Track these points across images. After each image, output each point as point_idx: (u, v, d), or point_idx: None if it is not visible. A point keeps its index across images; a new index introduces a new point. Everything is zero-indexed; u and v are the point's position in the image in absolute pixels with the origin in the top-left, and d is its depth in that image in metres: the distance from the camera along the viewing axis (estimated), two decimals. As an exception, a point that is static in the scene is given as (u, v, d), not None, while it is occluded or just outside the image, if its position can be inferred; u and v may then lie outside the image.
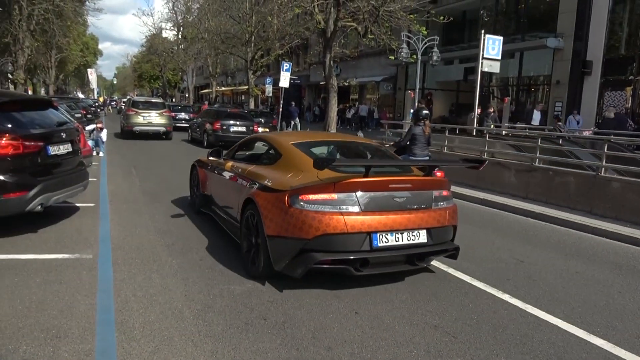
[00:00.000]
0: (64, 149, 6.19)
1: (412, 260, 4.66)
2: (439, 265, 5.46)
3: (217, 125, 18.18)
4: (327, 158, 4.48)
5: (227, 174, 6.01)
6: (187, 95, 59.63)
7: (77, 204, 7.40)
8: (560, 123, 15.16)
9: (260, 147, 6.05)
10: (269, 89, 27.79)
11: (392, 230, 4.46)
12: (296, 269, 4.36)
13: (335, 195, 4.36)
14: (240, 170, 5.66)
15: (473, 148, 11.23)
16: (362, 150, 5.75)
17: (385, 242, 4.44)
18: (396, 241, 4.49)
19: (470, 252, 6.01)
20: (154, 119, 20.65)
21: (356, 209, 4.38)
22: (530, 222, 7.84)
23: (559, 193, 8.80)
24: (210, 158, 6.76)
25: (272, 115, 25.11)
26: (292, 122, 24.65)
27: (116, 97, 71.33)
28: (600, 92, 16.92)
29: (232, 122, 18.46)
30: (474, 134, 13.13)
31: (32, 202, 5.56)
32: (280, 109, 22.94)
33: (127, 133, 20.42)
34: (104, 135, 15.39)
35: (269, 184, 4.76)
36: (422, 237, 4.59)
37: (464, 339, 3.86)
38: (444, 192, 4.85)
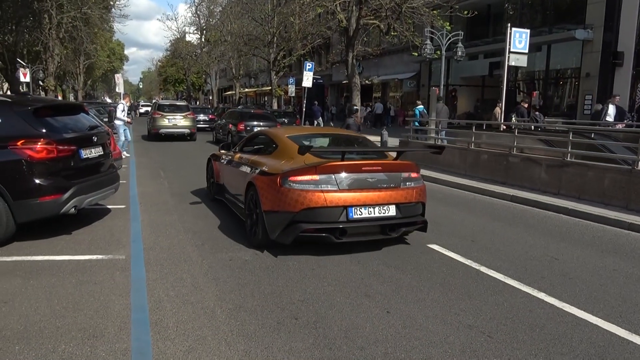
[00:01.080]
0: (95, 152, 6.30)
1: (385, 231, 5.48)
2: (470, 264, 5.36)
3: (241, 126, 18.59)
4: (307, 145, 5.58)
5: (235, 164, 6.97)
6: (210, 98, 60.32)
7: (109, 206, 7.52)
8: (537, 112, 14.69)
9: (262, 140, 6.92)
10: (291, 89, 27.84)
11: (365, 205, 5.33)
12: (287, 236, 5.27)
13: (317, 177, 5.27)
14: (245, 160, 6.64)
15: (500, 144, 11.01)
16: (348, 141, 6.73)
17: (360, 214, 5.31)
18: (369, 214, 5.35)
19: (502, 250, 5.89)
20: (178, 121, 21.39)
21: (334, 187, 5.27)
22: (563, 219, 7.64)
23: (592, 188, 8.54)
24: (222, 151, 7.91)
25: (295, 115, 25.18)
26: (315, 122, 24.63)
27: (142, 101, 72.61)
28: (633, 83, 16.37)
29: (255, 122, 18.83)
30: (502, 129, 12.87)
31: (66, 204, 5.67)
32: (304, 109, 22.93)
33: (154, 136, 21.10)
34: (129, 133, 15.36)
35: (266, 169, 5.72)
36: (391, 211, 5.45)
37: (500, 338, 3.79)
38: (412, 174, 5.70)
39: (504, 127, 12.90)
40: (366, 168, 5.45)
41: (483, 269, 5.24)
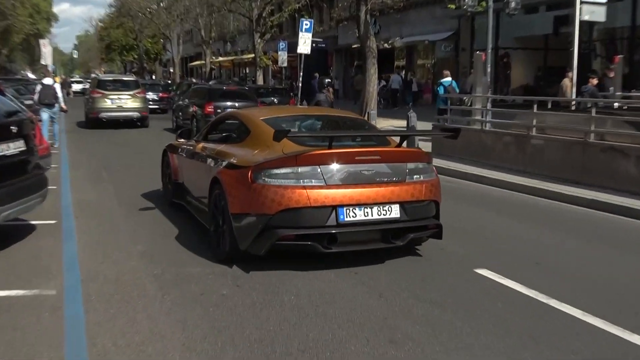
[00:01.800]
0: (14, 147, 6.29)
1: (387, 238, 5.79)
2: (534, 295, 5.32)
3: (209, 108, 18.74)
4: (285, 129, 5.72)
5: (198, 157, 7.33)
6: (171, 70, 60.50)
7: (34, 222, 7.54)
8: (592, 86, 14.18)
9: (232, 125, 7.29)
10: (282, 57, 27.89)
11: (359, 204, 5.63)
12: (260, 246, 5.61)
13: (298, 169, 5.58)
14: (210, 150, 6.98)
15: (573, 128, 10.97)
16: (342, 124, 7.08)
17: (353, 216, 5.61)
18: (365, 216, 5.65)
19: (579, 276, 5.87)
20: (125, 102, 21.76)
21: (321, 182, 5.57)
22: (662, 232, 7.61)
23: None
24: (181, 141, 8.23)
25: (288, 93, 25.21)
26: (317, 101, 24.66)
27: (76, 77, 72.77)
28: None
29: (229, 103, 18.94)
30: (572, 108, 12.84)
31: (-28, 220, 5.70)
32: (300, 84, 22.96)
33: (93, 122, 21.47)
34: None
35: (234, 161, 6.06)
36: (394, 212, 5.76)
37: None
38: (421, 165, 6.05)
39: (576, 105, 12.87)
40: (361, 157, 5.76)
41: (553, 302, 5.20)
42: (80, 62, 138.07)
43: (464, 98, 15.26)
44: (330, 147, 5.74)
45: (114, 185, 10.25)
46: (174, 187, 8.48)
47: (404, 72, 32.12)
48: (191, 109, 19.81)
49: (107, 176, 11.27)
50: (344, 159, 5.71)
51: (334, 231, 5.59)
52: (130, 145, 17.05)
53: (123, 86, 22.70)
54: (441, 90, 16.49)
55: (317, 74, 25.24)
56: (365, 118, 18.18)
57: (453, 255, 6.26)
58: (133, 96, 22.13)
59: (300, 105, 22.76)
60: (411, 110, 14.04)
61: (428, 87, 31.45)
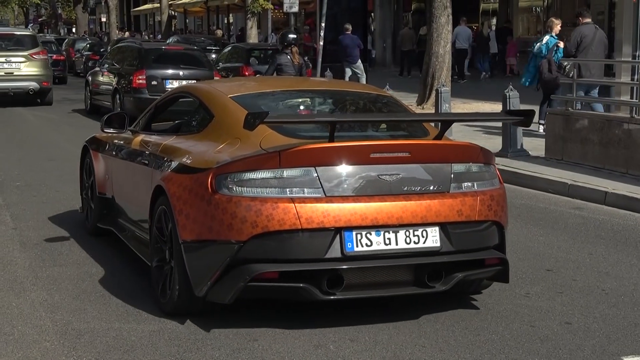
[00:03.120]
0: None
1: (422, 278, 5.99)
2: None
3: (140, 79, 20.03)
4: (261, 112, 5.84)
5: (135, 157, 7.75)
6: (103, 19, 60.73)
7: None
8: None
9: (186, 107, 7.88)
10: (289, -4, 27.94)
11: (378, 227, 5.87)
12: (227, 291, 5.84)
13: (282, 172, 5.86)
14: (153, 147, 7.38)
15: None
16: (358, 104, 7.70)
17: (368, 245, 5.85)
18: (386, 244, 5.89)
19: None
20: (16, 67, 23.64)
21: (317, 192, 5.85)
22: None
23: None
24: (108, 132, 8.48)
25: (303, 56, 25.22)
26: (349, 70, 24.58)
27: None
28: None
29: (171, 70, 20.55)
30: None
31: None
32: (321, 43, 22.87)
33: None
34: None
35: (188, 162, 6.41)
36: (431, 238, 5.99)
37: None
38: (475, 167, 6.36)
39: None
40: (380, 154, 6.01)
41: None
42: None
43: (566, 65, 15.00)
44: (331, 139, 5.95)
45: (12, 214, 10.30)
46: (98, 204, 8.86)
47: (495, 21, 32.10)
48: (112, 81, 21.02)
49: (1, 198, 11.31)
50: (353, 156, 5.91)
51: (338, 267, 5.80)
52: (34, 143, 17.08)
53: (14, 44, 24.32)
54: (543, 50, 16.23)
55: (349, 26, 25.09)
56: (432, 98, 18.15)
57: (578, 335, 6.16)
58: (29, 58, 23.70)
59: (321, 77, 22.80)
60: (510, 88, 13.89)
61: (513, 45, 31.39)
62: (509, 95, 13.65)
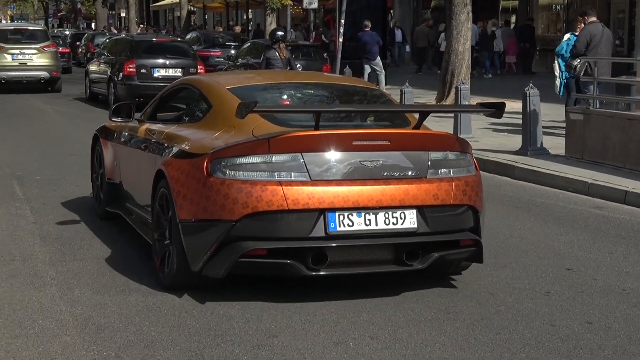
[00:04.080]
0: None
1: (401, 257, 6.49)
2: None
3: (131, 68, 22.45)
4: (250, 101, 6.42)
5: (140, 144, 8.32)
6: (122, 14, 60.85)
7: None
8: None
9: (187, 97, 8.43)
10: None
11: (359, 208, 6.36)
12: (220, 266, 6.39)
13: (271, 157, 6.39)
14: (157, 135, 7.95)
15: None
16: (351, 96, 8.32)
17: (349, 225, 6.36)
18: (367, 224, 6.40)
19: None
20: (30, 58, 26.74)
21: (302, 176, 6.36)
22: None
23: None
24: (116, 120, 9.11)
25: (321, 53, 25.22)
26: (368, 67, 24.54)
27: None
28: None
29: (159, 60, 23.05)
30: None
31: None
32: (340, 39, 22.86)
33: None
34: None
35: (187, 148, 6.99)
36: (409, 220, 6.48)
37: None
38: (452, 154, 6.86)
39: None
40: (362, 142, 6.54)
41: None
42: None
43: (576, 63, 14.91)
44: (317, 127, 6.47)
45: (32, 207, 10.33)
46: (107, 189, 9.44)
47: (514, 18, 32.03)
48: (106, 70, 23.72)
49: (20, 192, 11.36)
50: (336, 144, 6.43)
51: (322, 245, 6.30)
52: (54, 138, 17.14)
53: (28, 38, 27.54)
54: (563, 47, 16.10)
55: (368, 23, 25.03)
56: (452, 95, 18.10)
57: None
58: (40, 51, 26.78)
59: (340, 74, 22.78)
60: (530, 86, 13.81)
61: (513, 42, 31.31)
62: (529, 93, 13.57)
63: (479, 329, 6.11)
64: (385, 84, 24.74)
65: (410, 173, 6.61)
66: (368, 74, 24.18)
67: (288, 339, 5.86)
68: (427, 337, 5.91)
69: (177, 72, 22.55)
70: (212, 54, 30.75)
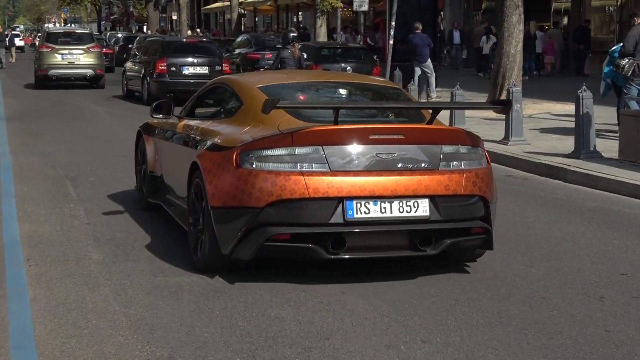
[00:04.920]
0: None
1: (415, 242, 7.01)
2: None
3: (162, 66, 24.80)
4: (274, 98, 7.06)
5: (179, 139, 8.92)
6: (174, 17, 61.24)
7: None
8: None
9: (222, 95, 9.06)
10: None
11: (374, 197, 6.91)
12: (247, 249, 6.98)
13: (294, 150, 6.95)
14: (194, 130, 8.60)
15: None
16: (372, 96, 8.83)
17: (366, 212, 6.90)
18: (382, 212, 6.94)
19: None
20: (77, 57, 30.48)
21: (323, 167, 6.92)
22: None
23: None
24: (155, 117, 9.82)
25: (371, 56, 25.17)
26: (419, 69, 24.41)
27: (21, 27, 74.99)
28: None
29: (188, 59, 25.54)
30: None
31: None
32: (391, 42, 22.82)
33: (41, 80, 30.38)
34: None
35: (219, 141, 7.60)
36: (422, 208, 7.00)
37: None
38: (463, 148, 7.37)
39: None
40: (378, 136, 7.08)
41: None
42: (26, 5, 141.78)
43: (624, 63, 14.72)
44: (336, 122, 7.03)
45: (85, 208, 10.42)
46: (149, 182, 10.07)
47: (566, 21, 31.73)
48: (140, 69, 26.04)
49: (74, 192, 11.47)
50: (354, 137, 7.01)
51: (340, 230, 6.88)
52: (107, 139, 17.31)
53: (75, 40, 31.33)
54: (616, 51, 15.91)
55: (419, 25, 24.89)
56: (503, 97, 17.97)
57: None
58: (86, 51, 30.53)
59: (389, 78, 22.71)
60: (583, 88, 13.62)
61: (551, 43, 31.03)
62: (582, 95, 13.41)
63: (532, 333, 6.05)
64: (436, 86, 24.65)
65: (423, 165, 7.11)
66: (419, 77, 24.04)
67: (339, 341, 5.86)
68: (479, 342, 5.87)
69: (204, 70, 25.59)
70: (262, 56, 30.80)
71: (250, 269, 7.48)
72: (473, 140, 7.54)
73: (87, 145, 16.73)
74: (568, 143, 14.35)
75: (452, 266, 7.78)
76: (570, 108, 16.15)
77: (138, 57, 27.85)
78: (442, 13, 39.68)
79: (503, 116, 15.85)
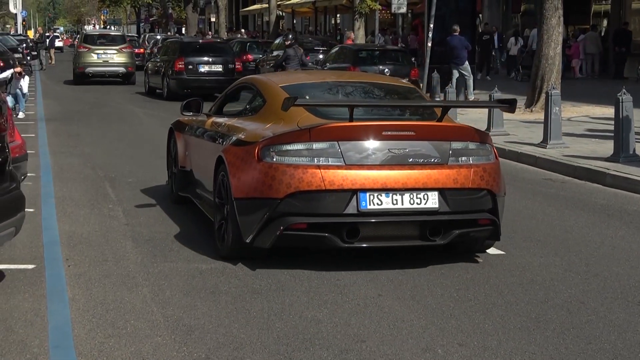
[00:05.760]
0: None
1: (425, 232, 7.48)
2: None
3: (180, 64, 27.65)
4: (293, 96, 7.54)
5: (207, 135, 9.48)
6: (212, 19, 61.38)
7: (2, 266, 7.77)
8: None
9: (247, 94, 9.61)
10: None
11: (386, 190, 7.39)
12: (267, 237, 7.48)
13: (312, 145, 7.45)
14: (220, 126, 9.17)
15: None
16: (388, 94, 9.32)
17: (379, 204, 7.39)
18: (394, 204, 7.41)
19: None
20: (111, 57, 34.63)
21: (338, 161, 7.40)
22: None
23: None
24: (185, 114, 10.44)
25: (410, 57, 25.11)
26: (456, 72, 24.29)
27: (61, 29, 75.55)
28: None
29: (204, 58, 28.40)
30: None
31: None
32: (429, 44, 22.75)
33: (79, 76, 34.64)
34: (24, 85, 17.89)
35: (243, 137, 8.15)
36: (431, 200, 7.46)
37: None
38: (472, 144, 7.82)
39: None
40: (390, 132, 7.55)
41: None
42: (65, 8, 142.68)
43: None
44: (351, 119, 7.54)
45: (124, 209, 10.51)
46: (180, 176, 10.55)
47: (606, 23, 31.47)
48: (161, 67, 28.85)
49: (113, 194, 11.55)
50: (368, 134, 7.48)
51: (354, 221, 7.36)
52: (145, 141, 17.44)
53: (110, 41, 35.78)
54: None
55: (457, 28, 24.73)
56: (541, 100, 17.88)
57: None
58: (119, 51, 34.69)
59: (425, 79, 22.64)
60: (623, 91, 13.49)
61: (576, 46, 30.75)
62: (622, 99, 13.29)
63: (570, 338, 6.01)
64: (474, 89, 24.54)
65: (433, 160, 7.56)
66: (457, 79, 23.91)
67: (376, 344, 5.86)
68: (516, 346, 5.84)
69: (219, 68, 28.52)
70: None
71: (287, 270, 7.56)
72: (481, 137, 8.02)
73: (126, 146, 16.88)
74: (607, 146, 14.24)
75: (490, 269, 7.78)
76: (609, 111, 16.01)
77: (159, 57, 30.98)
78: (480, 15, 39.48)
79: (542, 119, 15.78)
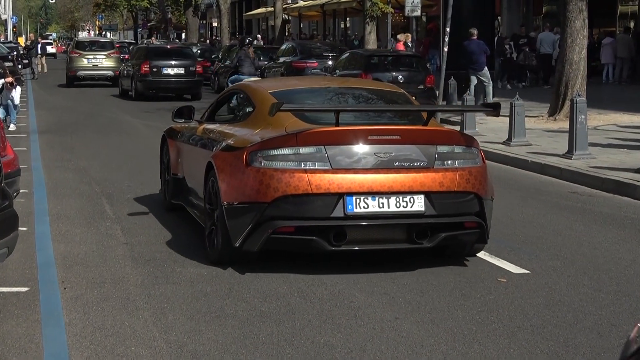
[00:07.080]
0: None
1: (412, 235, 7.93)
2: None
3: (145, 68, 32.36)
4: (277, 102, 8.10)
5: (198, 142, 10.04)
6: (214, 24, 61.57)
7: (-7, 290, 7.75)
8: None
9: (238, 100, 10.32)
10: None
11: (373, 193, 7.87)
12: (255, 241, 7.98)
13: (299, 150, 7.95)
14: (211, 133, 9.78)
15: None
16: (376, 99, 9.97)
17: (365, 207, 7.88)
18: (380, 207, 7.90)
19: None
20: (100, 61, 40.42)
21: (325, 166, 7.87)
22: None
23: None
24: (177, 121, 10.98)
25: (425, 63, 25.09)
26: (474, 78, 24.23)
27: (54, 35, 75.82)
28: None
29: (166, 61, 33.08)
30: None
31: None
32: (445, 49, 22.70)
33: (72, 79, 40.38)
34: (16, 96, 18.16)
35: (232, 143, 8.69)
36: (417, 204, 7.95)
37: None
38: (458, 148, 8.30)
39: None
40: (376, 137, 8.03)
41: None
42: (58, 13, 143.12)
43: None
44: (337, 124, 8.05)
45: (123, 227, 10.46)
46: (172, 183, 11.11)
47: (632, 25, 31.49)
48: (130, 71, 33.50)
49: (110, 211, 11.53)
50: (354, 138, 7.98)
51: (341, 224, 7.82)
52: (145, 154, 17.43)
53: (99, 47, 42.09)
54: None
55: (474, 31, 24.60)
56: (565, 108, 17.83)
57: None
58: (107, 56, 40.71)
59: (442, 86, 22.61)
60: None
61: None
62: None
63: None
64: (493, 96, 24.42)
65: (418, 163, 8.03)
66: (475, 86, 23.80)
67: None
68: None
69: (181, 70, 33.15)
70: (308, 65, 30.57)
71: (297, 292, 7.55)
72: (467, 141, 8.57)
73: (123, 159, 16.91)
74: (637, 157, 14.23)
75: (515, 290, 7.75)
76: (638, 119, 15.99)
77: (130, 62, 35.38)
78: (499, 18, 39.45)
79: (567, 128, 15.71)
